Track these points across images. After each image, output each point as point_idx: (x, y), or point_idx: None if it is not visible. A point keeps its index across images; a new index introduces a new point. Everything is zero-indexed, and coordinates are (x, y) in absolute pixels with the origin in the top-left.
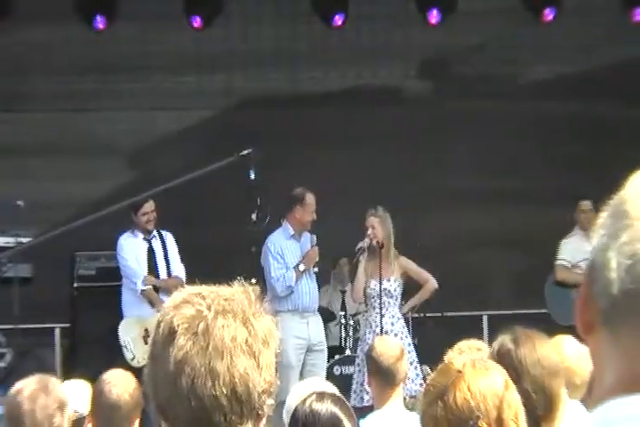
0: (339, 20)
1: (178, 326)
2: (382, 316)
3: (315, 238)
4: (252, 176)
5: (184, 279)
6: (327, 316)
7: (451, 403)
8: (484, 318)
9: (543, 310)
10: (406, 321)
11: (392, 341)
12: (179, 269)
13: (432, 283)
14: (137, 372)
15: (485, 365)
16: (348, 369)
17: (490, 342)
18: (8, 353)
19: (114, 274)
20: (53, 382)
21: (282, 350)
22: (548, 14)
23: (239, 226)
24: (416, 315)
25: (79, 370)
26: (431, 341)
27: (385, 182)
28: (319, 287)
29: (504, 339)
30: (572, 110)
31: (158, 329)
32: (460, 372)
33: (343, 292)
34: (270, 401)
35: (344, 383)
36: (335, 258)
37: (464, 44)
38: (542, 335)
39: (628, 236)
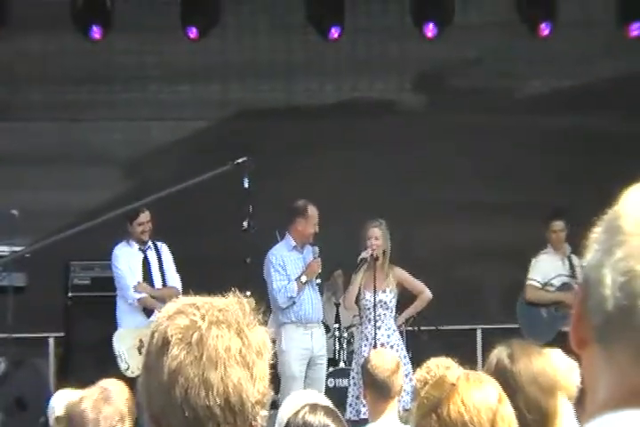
0: (335, 32)
1: (172, 336)
2: (378, 328)
3: (317, 250)
4: (246, 184)
5: (180, 290)
6: None
7: (444, 416)
8: (478, 332)
9: None
10: (400, 334)
11: (388, 354)
12: (174, 280)
13: (427, 293)
14: (131, 382)
15: (479, 378)
16: (341, 382)
17: (484, 356)
18: (2, 362)
19: (108, 284)
20: (115, 392)
21: (285, 362)
22: (545, 28)
23: (234, 236)
24: (410, 328)
25: (73, 379)
26: (425, 354)
27: (379, 195)
28: None
29: (500, 353)
30: (567, 124)
31: (152, 339)
32: (453, 385)
33: (337, 304)
34: (264, 412)
35: (338, 396)
36: (329, 270)
37: (460, 57)
38: (539, 350)
39: (622, 252)
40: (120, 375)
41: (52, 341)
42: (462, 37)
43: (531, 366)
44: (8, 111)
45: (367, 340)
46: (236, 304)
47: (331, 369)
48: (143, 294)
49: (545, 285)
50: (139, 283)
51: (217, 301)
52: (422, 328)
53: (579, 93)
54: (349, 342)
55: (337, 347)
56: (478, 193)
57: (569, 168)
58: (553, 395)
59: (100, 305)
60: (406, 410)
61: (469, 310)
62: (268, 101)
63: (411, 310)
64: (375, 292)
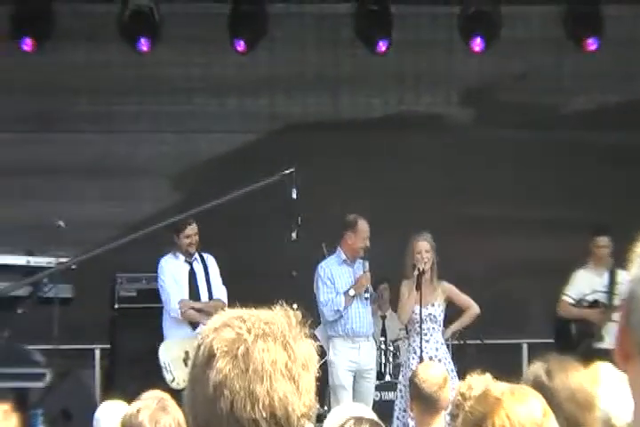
0: (382, 45)
1: (217, 349)
2: (427, 341)
3: (367, 265)
4: (294, 195)
5: (226, 302)
6: None
7: None
8: (524, 346)
9: None
10: (447, 347)
11: (436, 367)
12: (220, 292)
13: (475, 308)
14: (176, 394)
15: (524, 392)
16: (387, 395)
17: None
18: (48, 374)
19: (154, 296)
20: (170, 401)
21: (333, 372)
22: (592, 44)
23: (280, 248)
24: (456, 342)
25: (118, 391)
26: (471, 368)
27: (424, 208)
28: None
29: (537, 369)
30: (612, 140)
31: (198, 352)
32: (498, 399)
33: (383, 317)
34: (310, 425)
35: (383, 409)
36: (374, 283)
37: (506, 71)
38: (577, 365)
39: None
40: (165, 388)
41: (97, 352)
42: (509, 52)
43: (568, 382)
44: (54, 122)
45: (415, 353)
46: (282, 317)
47: (377, 382)
48: (187, 309)
49: (579, 301)
50: (182, 301)
51: (263, 313)
52: (468, 342)
53: (624, 109)
54: (395, 356)
55: (383, 360)
56: (522, 208)
57: (612, 184)
58: (591, 411)
59: (145, 317)
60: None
61: (515, 325)
62: (314, 115)
63: (458, 325)
64: (423, 305)
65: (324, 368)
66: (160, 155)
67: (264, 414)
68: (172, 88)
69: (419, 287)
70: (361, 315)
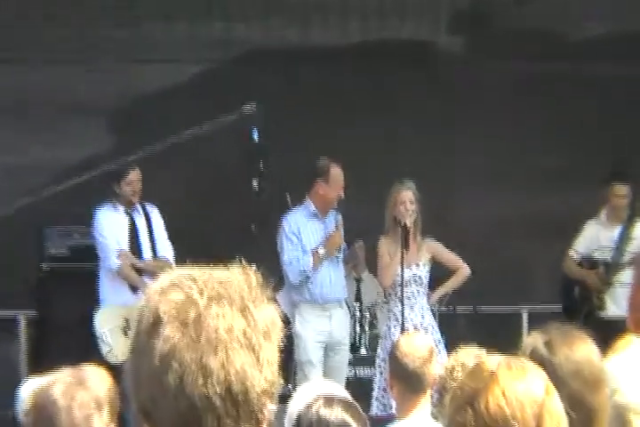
0: None
1: (164, 313)
2: (411, 308)
3: (340, 218)
4: (255, 137)
5: (172, 261)
6: None
7: (482, 410)
8: (524, 315)
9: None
10: (434, 315)
11: (421, 338)
12: (166, 249)
13: (465, 269)
14: (114, 369)
15: (523, 365)
16: (363, 371)
17: None
18: None
19: (89, 253)
20: (91, 375)
21: (300, 346)
22: None
23: (240, 200)
24: (444, 309)
25: (47, 366)
26: (461, 339)
27: (409, 154)
28: None
29: (535, 341)
30: (627, 73)
31: (141, 318)
32: (493, 373)
33: (358, 280)
34: (272, 406)
35: (359, 388)
36: (348, 240)
37: None
38: (582, 336)
39: None
40: (102, 361)
41: (22, 320)
42: None
43: (572, 357)
44: None
45: (397, 321)
46: (240, 277)
47: (351, 356)
48: (125, 267)
49: (584, 258)
50: (121, 251)
51: (218, 273)
52: (459, 310)
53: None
54: (372, 325)
55: (358, 330)
56: (522, 154)
57: (629, 124)
58: (599, 390)
59: (79, 279)
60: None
61: (514, 290)
62: (279, 41)
63: (446, 288)
64: (406, 266)
65: (289, 340)
66: (97, 88)
67: (218, 390)
68: (115, 13)
69: (405, 246)
70: (332, 277)
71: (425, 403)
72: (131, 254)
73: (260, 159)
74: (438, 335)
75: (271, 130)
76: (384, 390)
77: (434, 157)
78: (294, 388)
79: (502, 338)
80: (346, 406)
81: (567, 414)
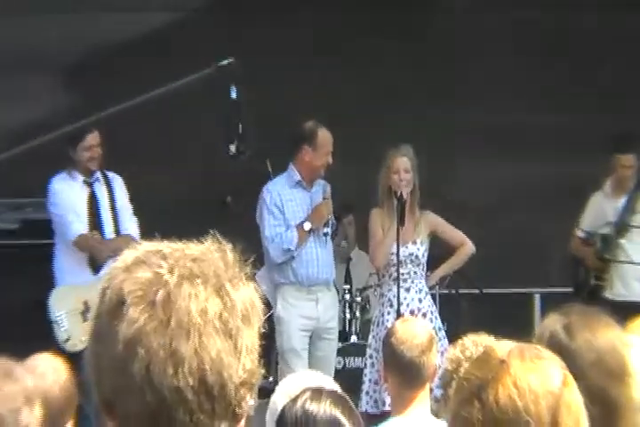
0: None
1: (129, 293)
2: (407, 290)
3: (329, 189)
4: (234, 95)
5: (138, 238)
6: None
7: (491, 403)
8: (536, 298)
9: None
10: (433, 298)
11: (418, 324)
12: (130, 224)
13: (469, 246)
14: (72, 358)
15: (537, 353)
16: (353, 362)
17: None
18: None
19: (43, 228)
20: (19, 368)
21: (283, 332)
22: None
23: (215, 166)
24: (446, 291)
25: None
26: (464, 326)
27: (404, 115)
28: None
29: (554, 325)
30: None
31: (103, 298)
32: (503, 362)
33: (348, 259)
34: (252, 401)
35: (349, 380)
36: (339, 213)
37: None
38: (606, 319)
39: None
40: (58, 350)
41: None
42: None
43: (594, 343)
44: None
45: (391, 306)
46: (215, 253)
47: (340, 345)
48: (82, 233)
49: (592, 235)
50: (81, 235)
51: (190, 248)
52: (462, 291)
53: None
54: (364, 310)
55: (348, 315)
56: (531, 112)
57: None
58: (623, 380)
59: (32, 257)
60: (437, 401)
61: (525, 269)
62: None
63: (447, 267)
64: (402, 243)
65: (271, 326)
66: (51, 41)
67: (190, 381)
68: None
69: (402, 221)
70: (319, 256)
71: (424, 398)
72: (89, 236)
73: (239, 120)
74: (439, 322)
75: (251, 87)
76: (376, 383)
77: (432, 117)
78: (276, 381)
79: (512, 323)
80: (336, 399)
81: (586, 407)
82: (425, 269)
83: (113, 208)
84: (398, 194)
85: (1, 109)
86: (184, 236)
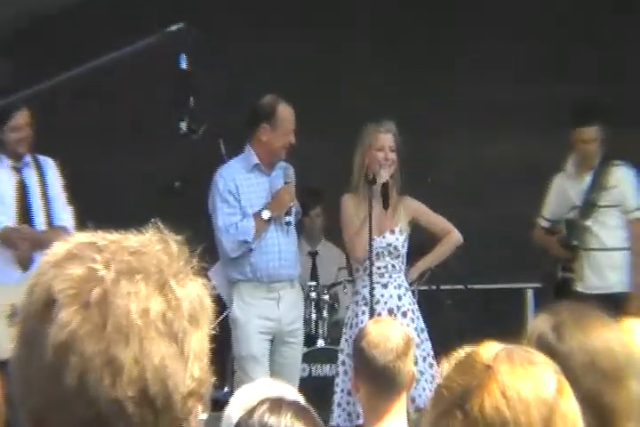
0: None
1: (60, 292)
2: (384, 286)
3: (292, 172)
4: (184, 65)
5: (73, 230)
6: None
7: (475, 414)
8: (529, 293)
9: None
10: (413, 295)
11: (393, 326)
12: (64, 214)
13: (455, 235)
14: None
15: (528, 357)
16: (321, 369)
17: None
18: None
19: None
20: None
21: (240, 336)
22: None
23: (162, 147)
24: (426, 287)
25: None
26: (447, 326)
27: (381, 86)
28: None
29: (543, 325)
30: None
31: (31, 298)
32: (489, 367)
33: (314, 253)
34: (203, 415)
35: (316, 390)
36: (303, 202)
37: None
38: (601, 317)
39: None
40: None
41: None
42: None
43: (587, 343)
44: None
45: (365, 304)
46: (157, 245)
47: (305, 350)
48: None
49: (555, 223)
50: (6, 229)
51: (129, 240)
52: (444, 287)
53: None
54: (332, 310)
55: (314, 316)
56: (535, 86)
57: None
58: (619, 385)
59: None
60: (419, 410)
61: (515, 263)
62: None
63: (430, 259)
64: (379, 233)
65: (227, 329)
66: None
67: (130, 392)
68: None
69: (386, 206)
70: (281, 249)
71: (399, 408)
72: (16, 229)
73: (190, 94)
74: (421, 322)
75: (204, 57)
76: (349, 393)
77: (409, 90)
78: (232, 391)
79: (501, 323)
80: (297, 411)
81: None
82: (405, 261)
83: (45, 197)
84: (379, 177)
85: None
86: (122, 226)
